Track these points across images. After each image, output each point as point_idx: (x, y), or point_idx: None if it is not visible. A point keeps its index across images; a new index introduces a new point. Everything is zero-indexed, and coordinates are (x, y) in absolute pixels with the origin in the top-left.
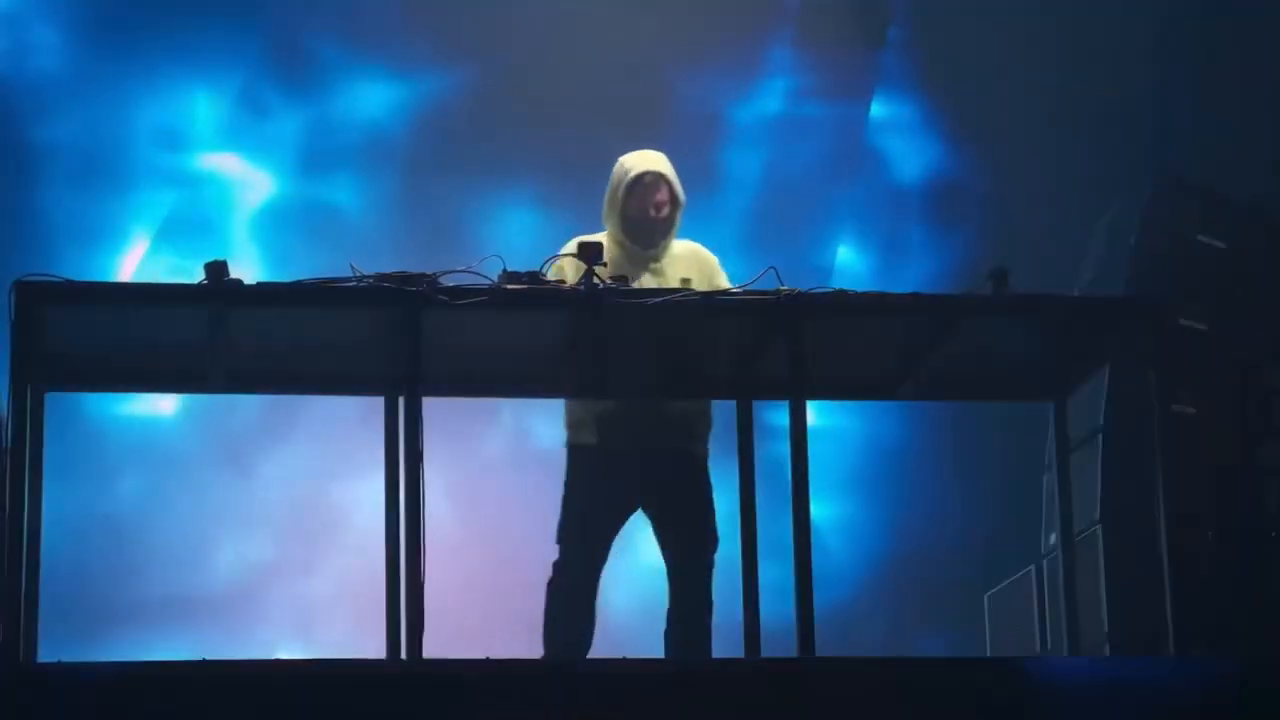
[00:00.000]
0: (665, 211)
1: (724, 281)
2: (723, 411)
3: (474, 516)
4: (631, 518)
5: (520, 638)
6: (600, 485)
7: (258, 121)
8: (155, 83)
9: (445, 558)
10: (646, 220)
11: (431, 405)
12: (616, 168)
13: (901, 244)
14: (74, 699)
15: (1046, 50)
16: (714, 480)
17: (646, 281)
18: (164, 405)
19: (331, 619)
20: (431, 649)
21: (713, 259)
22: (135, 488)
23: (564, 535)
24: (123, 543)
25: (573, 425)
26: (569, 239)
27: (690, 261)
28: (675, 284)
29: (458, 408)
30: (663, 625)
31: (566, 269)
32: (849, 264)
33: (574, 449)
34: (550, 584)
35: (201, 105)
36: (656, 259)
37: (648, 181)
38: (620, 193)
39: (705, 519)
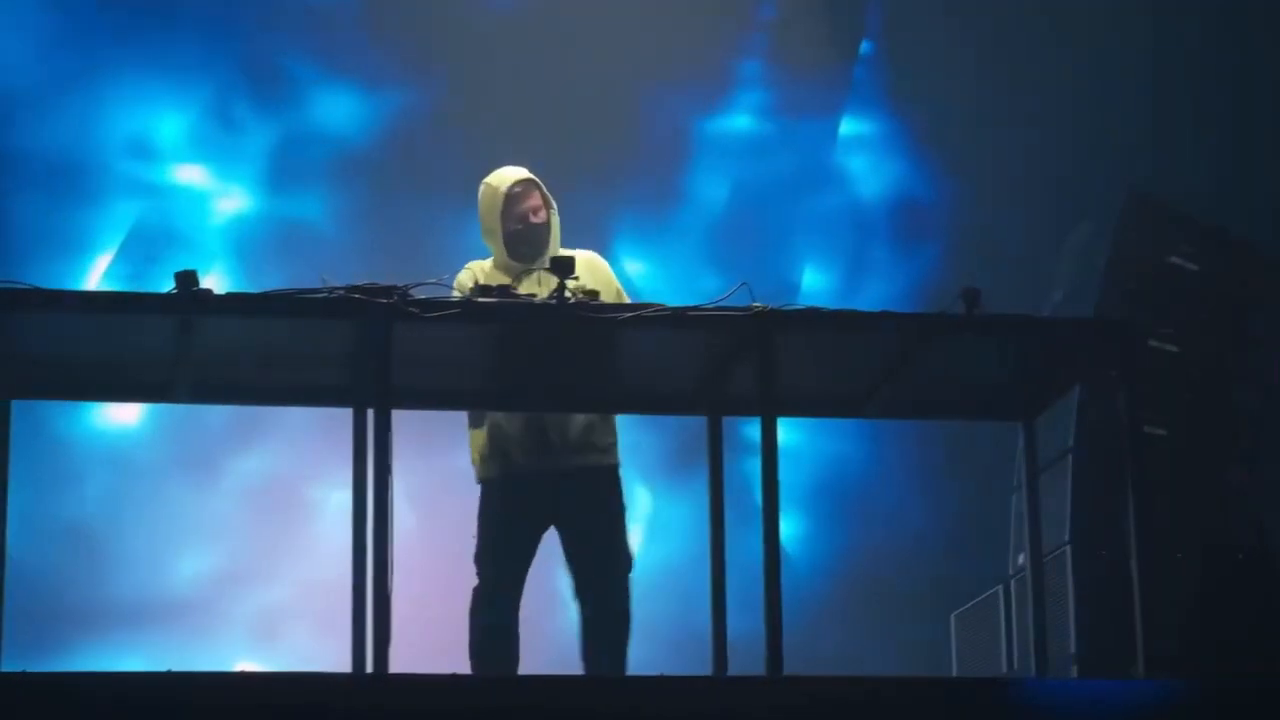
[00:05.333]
0: (543, 215)
1: (622, 286)
2: (679, 428)
3: (440, 530)
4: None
5: None
6: (511, 512)
7: (226, 134)
8: (125, 93)
9: (411, 571)
10: (530, 228)
11: (396, 416)
12: (483, 192)
13: (868, 262)
14: (37, 709)
15: (1018, 69)
16: (683, 494)
17: (545, 290)
18: (128, 413)
19: (295, 629)
20: (397, 663)
21: (606, 265)
22: (98, 496)
23: (480, 562)
24: (85, 551)
25: (478, 459)
26: None
27: (584, 269)
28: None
29: (423, 419)
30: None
31: (466, 283)
32: (815, 282)
33: (484, 483)
34: (471, 611)
35: (171, 116)
36: (546, 267)
37: (518, 191)
38: (498, 213)
39: (617, 535)
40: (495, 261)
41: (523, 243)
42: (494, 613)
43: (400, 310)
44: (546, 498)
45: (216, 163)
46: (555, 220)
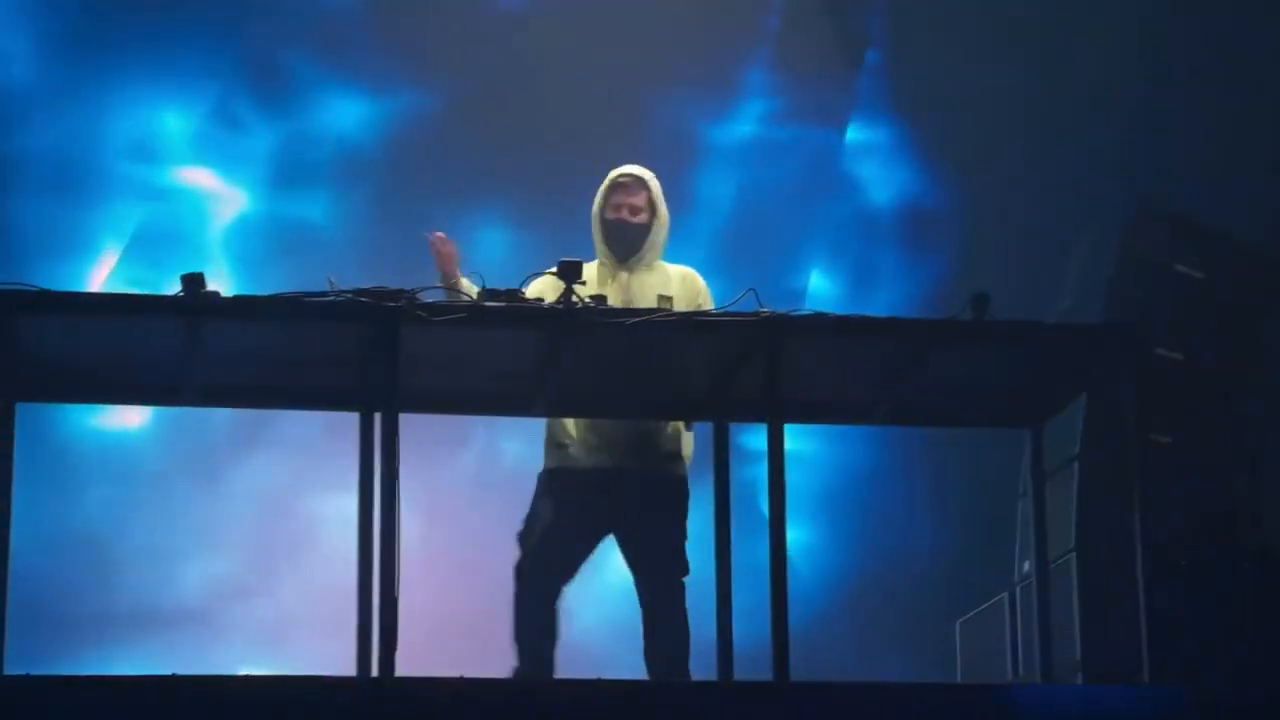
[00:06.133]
0: (641, 217)
1: (709, 307)
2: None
3: (444, 533)
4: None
5: (492, 656)
6: (573, 502)
7: (231, 136)
8: (129, 95)
9: (415, 574)
10: (623, 222)
11: (402, 420)
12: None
13: (874, 269)
14: (41, 712)
15: (1024, 76)
16: (689, 501)
17: (623, 294)
18: (132, 417)
19: (300, 636)
20: (400, 668)
21: (702, 284)
22: (102, 501)
23: (525, 542)
24: (89, 556)
25: (552, 447)
26: (543, 257)
27: (675, 281)
28: (652, 298)
29: (428, 423)
30: (639, 646)
31: (546, 290)
32: (821, 288)
33: (551, 471)
34: (515, 596)
35: (175, 119)
36: (632, 271)
37: (624, 183)
38: (599, 198)
39: (678, 544)
40: (595, 259)
41: (616, 235)
42: (533, 595)
43: (408, 313)
44: (603, 498)
45: (221, 165)
46: (659, 230)
